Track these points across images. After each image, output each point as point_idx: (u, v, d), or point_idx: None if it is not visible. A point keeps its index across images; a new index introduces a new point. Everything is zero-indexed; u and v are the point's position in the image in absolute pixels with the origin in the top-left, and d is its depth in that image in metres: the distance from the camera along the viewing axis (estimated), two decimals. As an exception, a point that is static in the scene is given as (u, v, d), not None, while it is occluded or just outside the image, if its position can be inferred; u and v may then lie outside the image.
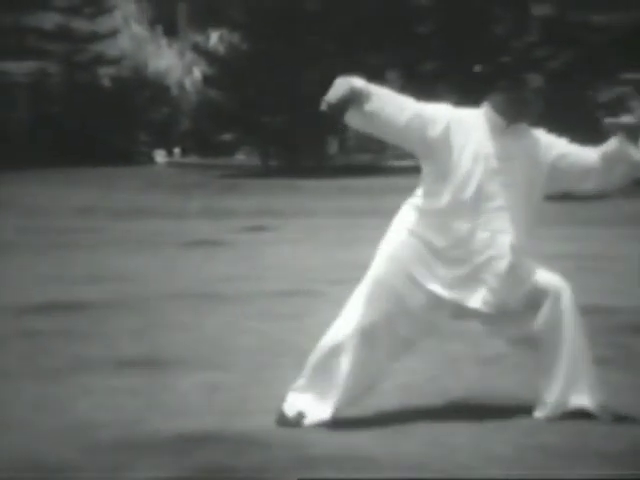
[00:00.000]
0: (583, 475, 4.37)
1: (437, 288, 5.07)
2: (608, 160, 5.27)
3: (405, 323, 5.10)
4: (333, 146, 36.44)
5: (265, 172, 32.79)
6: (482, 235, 5.07)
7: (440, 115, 5.07)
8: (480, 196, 5.06)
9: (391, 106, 4.94)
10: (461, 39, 31.64)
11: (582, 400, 5.12)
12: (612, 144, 5.28)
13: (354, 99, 4.85)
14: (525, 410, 5.19)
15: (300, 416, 5.08)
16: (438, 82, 30.86)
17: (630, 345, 7.10)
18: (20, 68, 34.61)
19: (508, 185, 5.09)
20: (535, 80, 5.22)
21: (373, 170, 30.85)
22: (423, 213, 5.13)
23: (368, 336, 5.05)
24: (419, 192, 5.20)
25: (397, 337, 5.12)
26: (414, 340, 5.22)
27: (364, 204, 21.84)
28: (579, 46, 30.33)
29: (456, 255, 5.07)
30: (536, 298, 5.12)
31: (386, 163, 32.74)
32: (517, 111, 5.13)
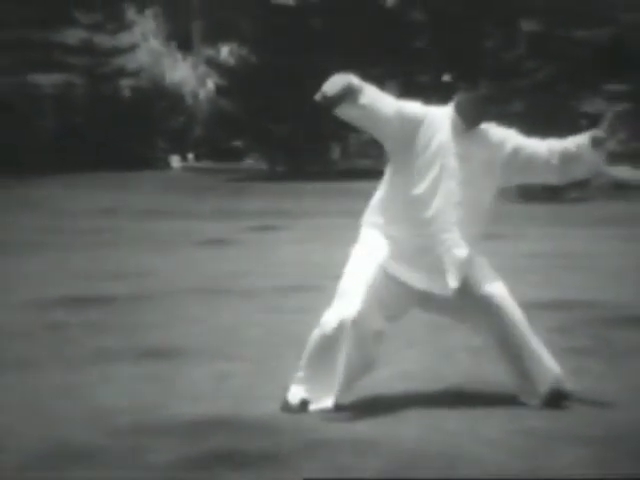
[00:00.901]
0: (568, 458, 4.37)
1: (406, 277, 5.08)
2: (566, 157, 5.24)
3: (381, 312, 5.10)
4: (336, 152, 36.44)
5: (272, 176, 32.78)
6: (442, 227, 5.07)
7: (417, 112, 5.08)
8: (436, 191, 5.06)
9: (379, 102, 4.97)
10: (455, 53, 31.62)
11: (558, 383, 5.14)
12: (571, 144, 5.24)
13: (350, 94, 4.87)
14: (513, 396, 5.19)
15: (303, 404, 5.07)
16: (435, 92, 30.84)
17: (609, 337, 7.09)
18: (47, 80, 34.64)
19: (464, 183, 5.09)
20: (488, 86, 5.19)
21: (373, 174, 30.73)
22: (386, 207, 5.15)
23: (355, 326, 5.03)
24: (382, 187, 5.21)
25: (377, 325, 5.11)
26: (385, 327, 5.19)
27: (365, 205, 21.78)
28: (563, 59, 30.32)
29: (418, 244, 5.08)
30: (478, 298, 5.11)
31: (385, 167, 32.73)
32: (475, 114, 5.10)
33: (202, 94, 39.54)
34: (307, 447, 4.47)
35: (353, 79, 4.90)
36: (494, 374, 5.50)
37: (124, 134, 34.84)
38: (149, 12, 39.94)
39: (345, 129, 35.60)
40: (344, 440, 4.57)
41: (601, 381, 5.63)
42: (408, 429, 4.75)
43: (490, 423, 4.83)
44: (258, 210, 22.04)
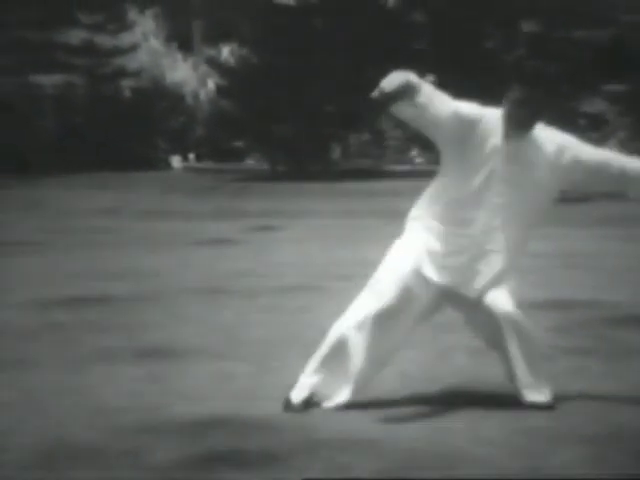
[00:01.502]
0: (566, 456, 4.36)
1: (438, 277, 5.07)
2: (624, 175, 5.20)
3: (409, 310, 5.09)
4: (336, 152, 36.42)
5: (273, 176, 32.78)
6: (484, 229, 5.06)
7: (473, 114, 5.03)
8: (486, 192, 5.04)
9: (436, 102, 4.91)
10: (456, 53, 31.62)
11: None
12: (632, 164, 5.21)
13: (408, 92, 4.82)
14: (512, 396, 5.19)
15: (305, 403, 5.06)
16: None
17: (610, 336, 7.09)
18: (48, 81, 34.67)
19: (514, 186, 5.06)
20: (521, 89, 5.13)
21: (373, 174, 30.81)
22: (432, 204, 5.12)
23: (379, 323, 5.03)
24: (432, 184, 5.19)
25: (402, 323, 5.10)
26: (413, 326, 5.19)
27: (365, 206, 21.82)
28: (564, 60, 30.34)
29: (458, 245, 5.07)
30: (488, 309, 5.09)
31: (385, 167, 32.73)
32: (515, 118, 5.03)
33: (203, 94, 39.54)
34: (307, 447, 4.47)
35: (411, 77, 4.84)
36: (494, 374, 5.50)
37: (124, 134, 34.84)
38: (149, 12, 39.96)
39: (345, 129, 35.63)
40: (344, 440, 4.56)
41: (601, 381, 5.63)
42: (408, 429, 4.74)
43: (490, 423, 4.83)
44: (259, 210, 22.03)
